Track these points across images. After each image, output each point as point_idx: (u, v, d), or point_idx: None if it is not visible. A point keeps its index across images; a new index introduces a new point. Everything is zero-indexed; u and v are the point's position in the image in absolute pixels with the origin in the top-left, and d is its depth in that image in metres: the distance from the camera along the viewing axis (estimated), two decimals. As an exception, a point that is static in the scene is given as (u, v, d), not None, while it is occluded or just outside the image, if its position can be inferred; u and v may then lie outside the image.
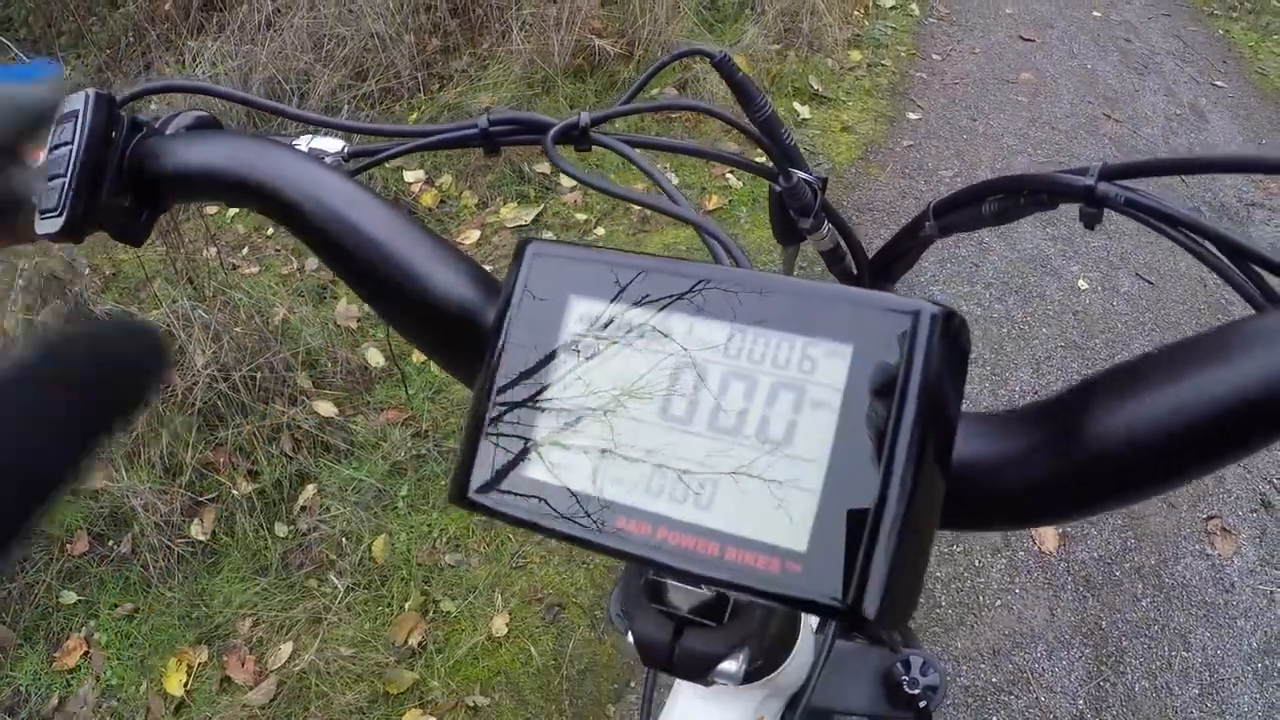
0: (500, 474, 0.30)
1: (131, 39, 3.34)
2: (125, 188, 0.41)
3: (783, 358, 0.27)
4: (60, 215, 0.39)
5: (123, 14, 3.38)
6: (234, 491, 1.82)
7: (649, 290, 0.29)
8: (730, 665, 0.36)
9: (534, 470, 0.29)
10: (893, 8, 3.96)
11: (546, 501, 0.29)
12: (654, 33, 2.97)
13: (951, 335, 0.27)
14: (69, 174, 0.39)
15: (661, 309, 0.29)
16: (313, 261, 2.48)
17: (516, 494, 0.29)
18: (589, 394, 0.29)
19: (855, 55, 3.50)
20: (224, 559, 1.79)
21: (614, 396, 0.29)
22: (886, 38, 3.72)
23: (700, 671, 0.35)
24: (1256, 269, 0.34)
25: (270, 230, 2.65)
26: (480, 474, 0.30)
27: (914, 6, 4.05)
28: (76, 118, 0.39)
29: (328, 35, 2.89)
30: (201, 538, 1.80)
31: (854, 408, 0.26)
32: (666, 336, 0.29)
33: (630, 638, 0.36)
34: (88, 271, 2.22)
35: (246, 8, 3.02)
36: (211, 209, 2.77)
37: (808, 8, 3.33)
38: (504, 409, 0.30)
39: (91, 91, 0.40)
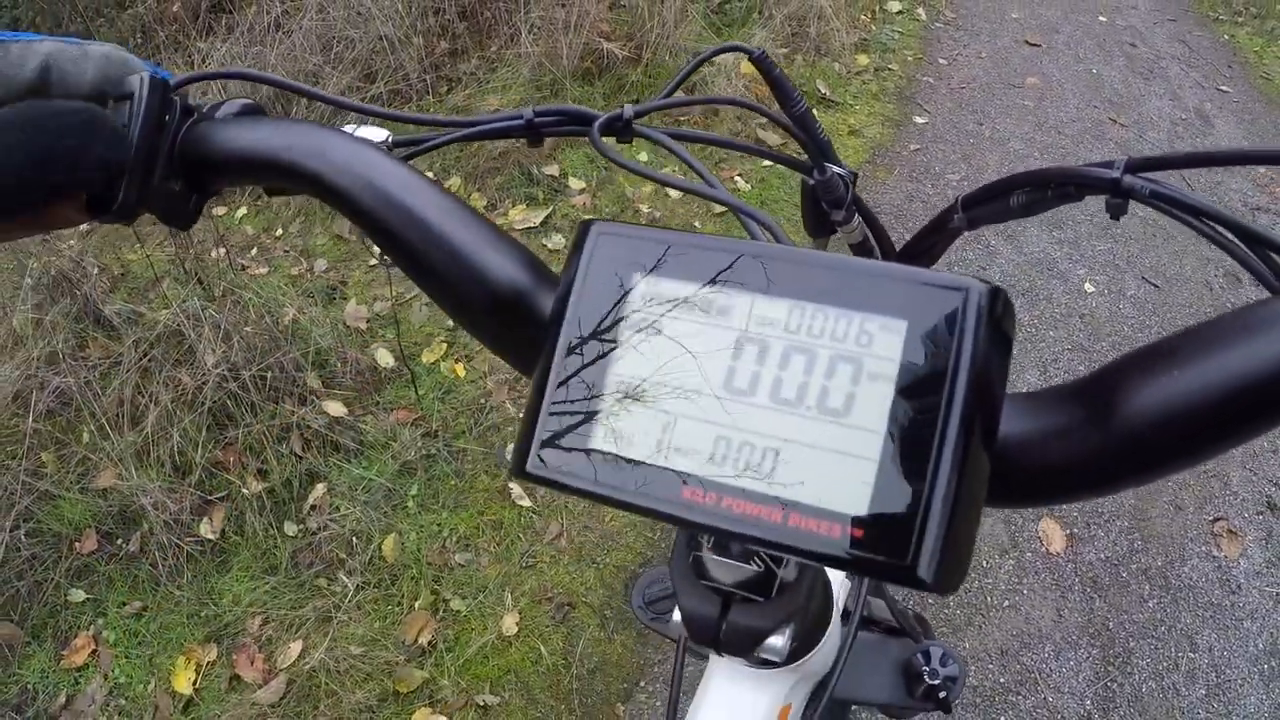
0: (563, 446, 0.30)
1: (140, 40, 3.35)
2: (176, 172, 0.41)
3: (840, 332, 0.28)
4: (115, 197, 0.39)
5: (131, 15, 3.39)
6: (243, 490, 1.82)
7: (709, 267, 0.30)
8: (777, 640, 0.37)
9: (597, 442, 0.30)
10: (899, 13, 3.97)
11: (610, 472, 0.29)
12: (662, 36, 2.97)
13: (998, 311, 0.27)
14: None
15: (722, 285, 0.30)
16: (321, 263, 2.49)
17: (580, 465, 0.30)
18: (652, 367, 0.30)
19: (862, 59, 3.51)
20: (233, 558, 1.79)
21: (676, 370, 0.29)
22: (893, 42, 3.73)
23: (747, 647, 0.36)
24: (1272, 255, 0.35)
25: (279, 231, 2.65)
26: (543, 447, 0.30)
27: (920, 11, 4.06)
28: (132, 100, 0.39)
29: (336, 37, 2.90)
30: (211, 536, 1.80)
31: (909, 379, 0.27)
32: (728, 311, 0.29)
33: (677, 615, 0.37)
34: (96, 271, 2.23)
35: (255, 10, 3.03)
36: (220, 209, 2.78)
37: (815, 12, 3.34)
38: (567, 383, 0.31)
39: (147, 75, 0.39)
